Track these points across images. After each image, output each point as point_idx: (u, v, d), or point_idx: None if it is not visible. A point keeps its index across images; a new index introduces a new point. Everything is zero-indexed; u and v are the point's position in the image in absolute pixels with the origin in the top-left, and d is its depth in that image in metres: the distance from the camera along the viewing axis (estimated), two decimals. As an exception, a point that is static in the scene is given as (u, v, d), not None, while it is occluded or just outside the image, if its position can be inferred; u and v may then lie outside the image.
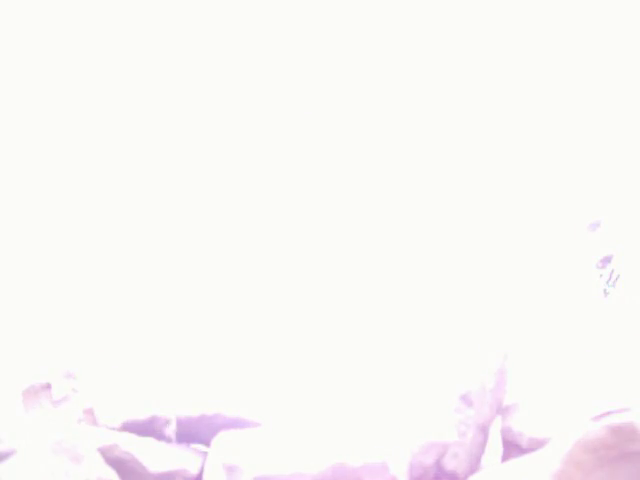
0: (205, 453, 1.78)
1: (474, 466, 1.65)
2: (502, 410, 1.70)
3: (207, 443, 1.70)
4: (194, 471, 1.72)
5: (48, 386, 2.15)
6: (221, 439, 1.33)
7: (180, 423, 1.84)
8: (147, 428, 1.84)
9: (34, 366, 2.30)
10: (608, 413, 1.31)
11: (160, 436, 1.83)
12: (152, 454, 1.68)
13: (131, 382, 1.99)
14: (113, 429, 1.84)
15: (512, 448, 1.60)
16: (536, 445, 1.37)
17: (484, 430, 1.69)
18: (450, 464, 1.60)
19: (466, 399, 1.67)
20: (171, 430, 1.85)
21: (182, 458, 1.75)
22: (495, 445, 1.83)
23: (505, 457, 1.64)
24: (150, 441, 1.74)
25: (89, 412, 2.06)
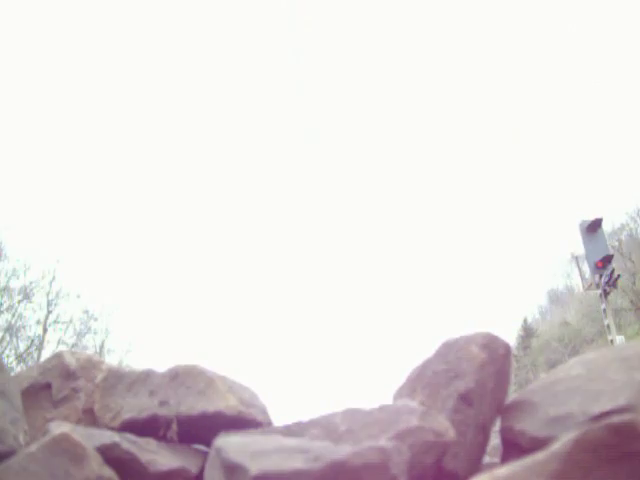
0: (205, 453, 1.78)
1: (474, 466, 1.64)
2: (502, 410, 1.70)
3: (208, 443, 1.70)
4: (194, 471, 1.72)
5: (48, 386, 2.15)
6: (222, 438, 1.33)
7: (180, 422, 1.84)
8: (147, 428, 1.84)
9: (34, 365, 2.30)
10: (608, 413, 1.31)
11: (160, 436, 1.83)
12: (152, 454, 1.68)
13: (131, 381, 1.99)
14: (113, 429, 1.83)
15: (512, 448, 1.60)
16: (537, 445, 1.37)
17: (484, 430, 1.69)
18: (450, 464, 1.59)
19: (466, 399, 1.67)
20: (171, 429, 1.85)
21: (182, 458, 1.74)
22: (495, 445, 1.83)
23: (505, 457, 1.63)
24: (150, 441, 1.74)
25: (89, 412, 2.06)
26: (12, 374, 2.19)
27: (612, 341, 16.42)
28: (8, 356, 23.38)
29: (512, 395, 1.74)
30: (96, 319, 26.89)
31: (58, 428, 1.51)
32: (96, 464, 1.48)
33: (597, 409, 1.36)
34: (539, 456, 1.05)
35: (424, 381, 1.74)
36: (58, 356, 2.21)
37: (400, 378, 1.83)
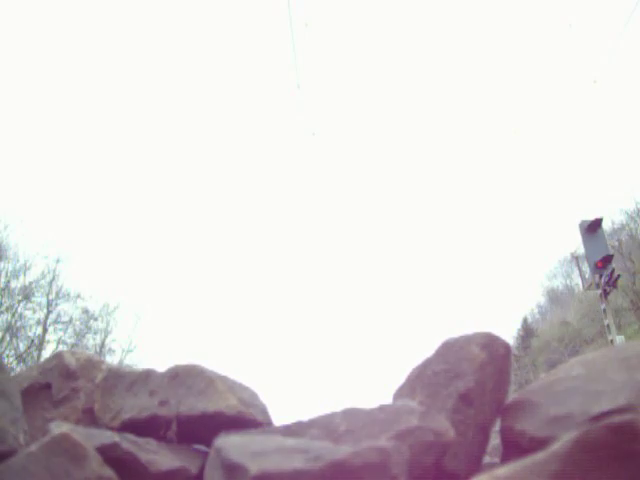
0: (205, 453, 1.78)
1: (474, 466, 1.64)
2: (502, 410, 1.70)
3: (208, 443, 1.70)
4: (194, 471, 1.72)
5: (48, 386, 2.15)
6: (222, 438, 1.33)
7: (180, 422, 1.84)
8: (147, 428, 1.84)
9: (34, 365, 2.30)
10: (608, 413, 1.31)
11: (160, 436, 1.83)
12: (152, 454, 1.68)
13: (133, 381, 1.99)
14: (113, 429, 1.84)
15: (512, 448, 1.60)
16: (537, 445, 1.37)
17: (484, 430, 1.69)
18: (450, 464, 1.59)
19: (466, 399, 1.67)
20: (171, 429, 1.85)
21: (182, 458, 1.75)
22: (495, 445, 1.84)
23: (505, 457, 1.63)
24: (150, 441, 1.74)
25: (89, 412, 2.06)
26: (12, 374, 2.19)
27: (612, 341, 16.42)
28: (8, 356, 23.38)
29: (512, 395, 1.74)
30: (96, 319, 26.90)
31: (58, 428, 1.51)
32: (96, 464, 1.48)
33: (597, 409, 1.36)
34: (539, 456, 1.05)
35: (424, 381, 1.74)
36: (58, 356, 2.21)
37: (400, 378, 1.83)
